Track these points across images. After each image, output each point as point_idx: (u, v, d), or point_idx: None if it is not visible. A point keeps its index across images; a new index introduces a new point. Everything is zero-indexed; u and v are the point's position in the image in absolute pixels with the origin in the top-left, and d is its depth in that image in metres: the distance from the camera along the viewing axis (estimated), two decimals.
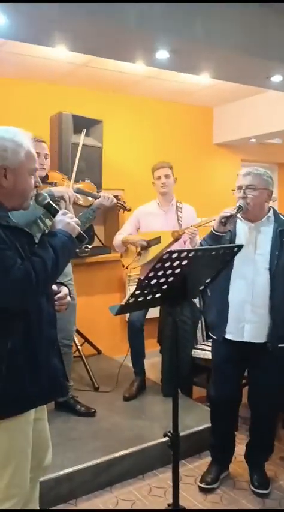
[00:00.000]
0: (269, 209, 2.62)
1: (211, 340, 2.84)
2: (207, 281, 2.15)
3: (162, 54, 2.98)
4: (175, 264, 1.84)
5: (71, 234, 1.73)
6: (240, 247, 2.16)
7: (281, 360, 2.59)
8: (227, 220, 2.48)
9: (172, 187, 3.67)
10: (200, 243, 2.72)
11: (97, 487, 2.72)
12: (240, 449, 2.91)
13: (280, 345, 2.55)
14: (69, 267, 3.23)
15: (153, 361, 4.05)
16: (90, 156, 3.90)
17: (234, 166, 5.60)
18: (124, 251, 3.69)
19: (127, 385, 3.69)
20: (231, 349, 2.64)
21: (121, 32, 2.68)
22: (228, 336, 2.62)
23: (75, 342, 3.67)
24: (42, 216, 1.93)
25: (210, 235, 2.58)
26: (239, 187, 2.55)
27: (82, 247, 4.00)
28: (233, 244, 2.46)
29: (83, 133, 3.47)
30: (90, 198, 3.20)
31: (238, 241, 2.57)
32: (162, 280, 1.87)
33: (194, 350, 3.71)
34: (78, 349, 3.88)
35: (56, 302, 1.82)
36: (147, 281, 1.83)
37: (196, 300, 3.82)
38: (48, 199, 1.82)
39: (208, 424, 2.98)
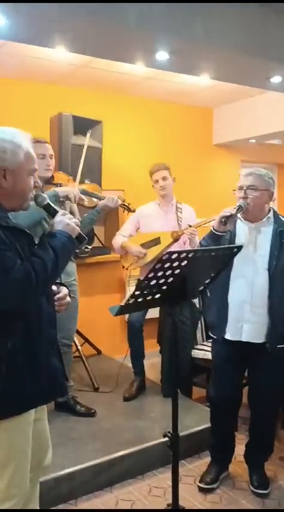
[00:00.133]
0: (270, 210, 2.62)
1: (210, 340, 2.85)
2: (207, 281, 2.15)
3: (162, 55, 2.99)
4: (175, 264, 1.84)
5: (70, 235, 1.73)
6: (240, 247, 2.16)
7: (281, 360, 2.60)
8: (227, 220, 2.48)
9: (172, 187, 3.65)
10: (200, 242, 2.72)
11: (97, 487, 2.72)
12: (240, 449, 2.91)
13: (279, 346, 2.55)
14: (73, 267, 3.24)
15: (153, 362, 4.05)
16: (90, 157, 3.88)
17: (234, 167, 5.62)
18: (124, 254, 3.69)
19: (127, 386, 3.69)
20: (231, 350, 2.64)
21: (121, 33, 2.69)
22: (227, 336, 2.62)
23: (75, 342, 3.68)
24: (47, 217, 1.93)
25: (210, 235, 2.59)
26: (240, 187, 2.55)
27: (82, 248, 4.01)
28: (233, 245, 2.46)
29: (88, 135, 3.43)
30: (94, 199, 3.21)
31: (237, 242, 2.57)
32: (161, 281, 1.87)
33: (194, 350, 3.71)
34: (78, 350, 3.88)
35: (55, 302, 1.83)
36: (146, 282, 1.83)
37: (196, 300, 3.82)
38: (47, 200, 1.82)
39: (207, 424, 2.99)
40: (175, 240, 3.47)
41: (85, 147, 3.31)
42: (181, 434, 2.11)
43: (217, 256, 2.08)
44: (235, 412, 2.86)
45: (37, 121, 3.86)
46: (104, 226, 4.90)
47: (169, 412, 2.11)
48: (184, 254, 1.84)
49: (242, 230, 2.62)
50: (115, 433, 3.07)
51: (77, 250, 3.57)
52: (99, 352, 4.53)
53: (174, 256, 1.81)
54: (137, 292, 1.85)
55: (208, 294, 2.76)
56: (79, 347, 3.91)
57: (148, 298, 1.91)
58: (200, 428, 3.10)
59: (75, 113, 3.95)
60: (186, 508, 2.22)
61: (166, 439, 2.08)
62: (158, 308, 3.69)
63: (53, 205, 1.84)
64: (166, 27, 2.71)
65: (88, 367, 3.83)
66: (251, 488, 2.73)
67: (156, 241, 3.50)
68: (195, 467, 2.97)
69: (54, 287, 1.85)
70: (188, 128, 5.28)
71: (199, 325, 3.85)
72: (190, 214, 3.68)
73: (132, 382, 3.70)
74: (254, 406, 2.76)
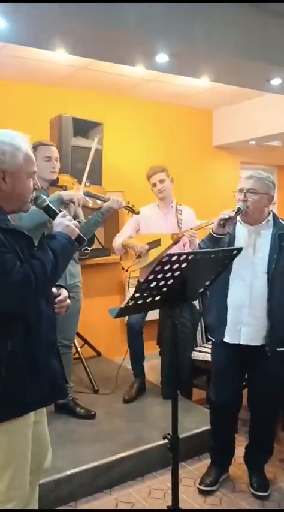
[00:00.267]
0: (269, 213, 2.63)
1: (210, 342, 2.85)
2: (207, 284, 2.15)
3: (162, 58, 2.99)
4: (175, 266, 1.84)
5: (70, 237, 1.73)
6: (240, 250, 2.16)
7: (281, 363, 2.59)
8: (226, 222, 2.48)
9: (171, 189, 3.65)
10: (199, 245, 2.72)
11: (97, 489, 2.72)
12: (240, 451, 2.91)
13: (278, 349, 2.55)
14: (78, 269, 3.26)
15: (153, 363, 4.05)
16: None
17: (234, 169, 5.62)
18: (124, 253, 3.69)
19: (126, 388, 3.69)
20: (231, 353, 2.64)
21: (121, 36, 2.69)
22: (226, 339, 2.62)
23: (75, 344, 3.68)
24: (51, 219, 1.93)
25: (209, 237, 2.59)
26: (241, 190, 2.55)
27: (82, 250, 4.01)
28: (233, 247, 2.46)
29: (96, 140, 3.35)
30: (99, 201, 3.22)
31: (237, 244, 2.57)
32: (161, 283, 1.87)
33: (193, 352, 3.71)
34: (77, 351, 3.88)
35: (55, 305, 1.83)
36: (146, 284, 1.83)
37: (196, 302, 3.82)
38: (47, 202, 1.82)
39: (207, 426, 2.98)
40: (175, 242, 3.47)
41: (93, 150, 3.27)
42: (181, 436, 2.10)
43: (216, 258, 2.08)
44: (235, 414, 2.86)
45: (37, 123, 3.86)
46: (104, 228, 4.89)
47: (169, 414, 2.11)
48: (184, 256, 1.84)
49: (242, 233, 2.62)
50: (115, 435, 3.07)
51: (77, 252, 3.57)
52: (98, 354, 4.53)
53: (174, 258, 1.81)
54: (137, 294, 1.84)
55: (208, 296, 2.77)
56: (79, 349, 3.91)
57: (148, 300, 1.91)
58: (200, 430, 3.10)
59: (75, 115, 3.95)
60: (186, 509, 2.21)
61: (166, 441, 2.07)
62: (158, 310, 3.70)
63: (52, 206, 1.83)
64: (166, 30, 2.72)
65: (88, 369, 3.83)
66: (251, 490, 2.73)
67: (156, 243, 3.50)
68: (194, 469, 2.97)
69: (54, 289, 1.85)
70: (188, 130, 5.28)
71: (199, 327, 3.85)
72: (190, 216, 3.68)
73: (131, 384, 3.70)
74: (254, 409, 2.76)
